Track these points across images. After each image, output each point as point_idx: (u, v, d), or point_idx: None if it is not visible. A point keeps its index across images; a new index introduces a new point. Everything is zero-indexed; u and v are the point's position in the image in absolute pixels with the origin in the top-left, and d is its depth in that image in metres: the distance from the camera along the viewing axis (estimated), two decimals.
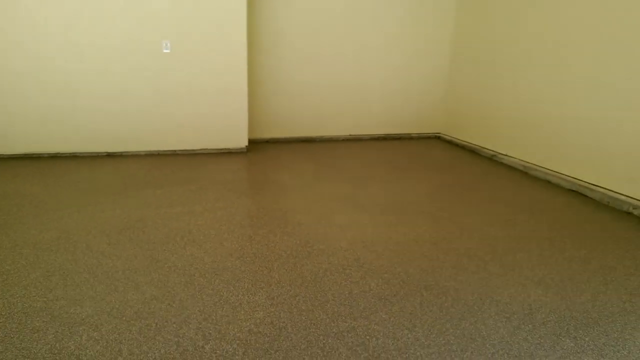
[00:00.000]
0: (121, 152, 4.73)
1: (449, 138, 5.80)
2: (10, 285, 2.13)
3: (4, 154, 4.46)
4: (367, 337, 1.81)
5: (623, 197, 3.36)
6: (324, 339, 1.79)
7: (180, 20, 4.48)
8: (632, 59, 3.29)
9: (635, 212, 3.25)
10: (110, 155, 4.67)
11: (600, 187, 3.58)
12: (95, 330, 1.81)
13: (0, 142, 4.41)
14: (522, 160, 4.45)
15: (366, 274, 2.33)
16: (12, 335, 1.77)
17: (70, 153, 4.61)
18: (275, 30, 5.19)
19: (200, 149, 4.92)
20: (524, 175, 4.28)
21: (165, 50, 4.50)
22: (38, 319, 1.88)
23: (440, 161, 4.79)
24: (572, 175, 3.85)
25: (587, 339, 1.84)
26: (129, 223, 2.90)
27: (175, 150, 4.85)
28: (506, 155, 4.69)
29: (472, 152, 5.23)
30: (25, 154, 4.50)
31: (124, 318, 1.90)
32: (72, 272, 2.26)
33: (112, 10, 4.32)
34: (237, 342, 1.76)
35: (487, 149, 5.01)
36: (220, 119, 4.85)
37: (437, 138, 6.05)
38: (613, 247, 2.72)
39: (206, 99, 4.75)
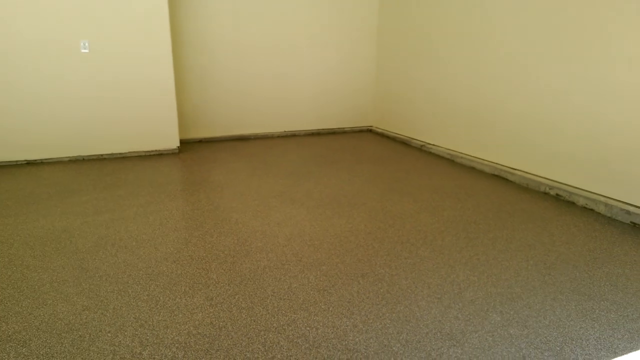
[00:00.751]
0: (42, 160, 4.42)
1: (380, 130, 6.00)
2: None
3: None
4: (308, 329, 1.85)
5: (540, 179, 3.66)
6: (264, 334, 1.81)
7: (98, 18, 4.26)
8: (547, 45, 3.59)
9: (552, 192, 3.55)
10: (30, 163, 4.35)
11: (519, 170, 3.87)
12: (23, 346, 1.70)
13: None
14: (448, 149, 4.71)
15: (305, 267, 2.37)
16: None
17: None
18: (202, 26, 5.09)
19: (129, 152, 4.71)
20: (451, 163, 4.54)
21: (83, 50, 4.26)
22: None
23: (372, 153, 4.94)
24: (493, 161, 4.14)
25: (512, 312, 2.00)
26: (54, 233, 2.74)
27: (101, 155, 4.61)
28: (434, 144, 4.93)
29: (403, 143, 5.45)
30: None
31: (55, 331, 1.80)
32: None
33: (26, 10, 4.02)
34: (177, 345, 1.73)
35: (417, 139, 5.24)
36: (148, 120, 4.68)
37: (369, 131, 6.23)
38: (532, 226, 2.96)
39: (132, 100, 4.56)
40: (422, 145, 5.10)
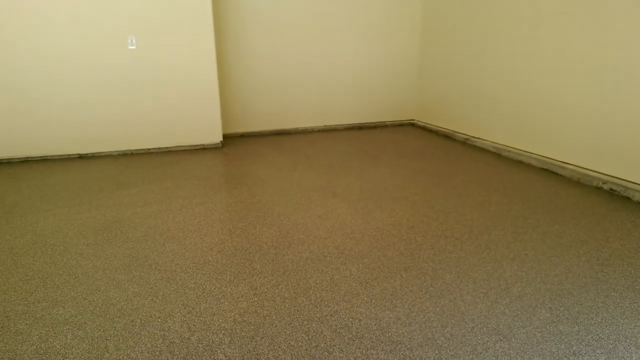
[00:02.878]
0: (93, 153, 4.64)
1: (422, 124, 5.89)
2: None
3: None
4: (350, 320, 1.85)
5: (592, 173, 3.49)
6: (308, 324, 1.82)
7: (144, 15, 4.40)
8: (595, 38, 3.41)
9: (605, 187, 3.38)
10: (82, 157, 4.58)
11: (570, 164, 3.70)
12: (79, 329, 1.80)
13: None
14: (494, 142, 4.56)
15: (346, 260, 2.36)
16: None
17: (41, 156, 4.50)
18: (244, 21, 5.16)
19: (174, 146, 4.86)
20: (497, 156, 4.39)
21: (130, 47, 4.42)
22: (21, 321, 1.85)
23: (414, 147, 4.86)
24: (542, 155, 3.98)
25: (561, 308, 1.92)
26: (106, 224, 2.87)
27: (149, 149, 4.78)
28: (479, 138, 4.79)
29: (446, 137, 5.33)
30: None
31: (108, 316, 1.89)
32: (51, 275, 2.23)
33: (75, 10, 4.21)
34: (223, 332, 1.77)
35: (460, 133, 5.11)
36: (192, 115, 4.80)
37: (411, 125, 6.13)
38: (584, 221, 2.82)
39: (177, 95, 4.70)
40: (466, 139, 4.97)
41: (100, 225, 2.83)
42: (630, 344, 1.68)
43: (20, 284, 2.14)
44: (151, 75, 4.56)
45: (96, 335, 1.76)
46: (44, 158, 4.51)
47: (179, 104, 4.72)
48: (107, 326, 1.82)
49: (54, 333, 1.78)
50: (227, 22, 5.09)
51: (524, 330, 1.77)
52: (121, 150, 4.71)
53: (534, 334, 1.75)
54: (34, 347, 1.70)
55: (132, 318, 1.87)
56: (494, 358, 1.62)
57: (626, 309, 1.90)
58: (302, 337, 1.75)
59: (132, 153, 4.73)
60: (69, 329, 1.80)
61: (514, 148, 4.30)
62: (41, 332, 1.79)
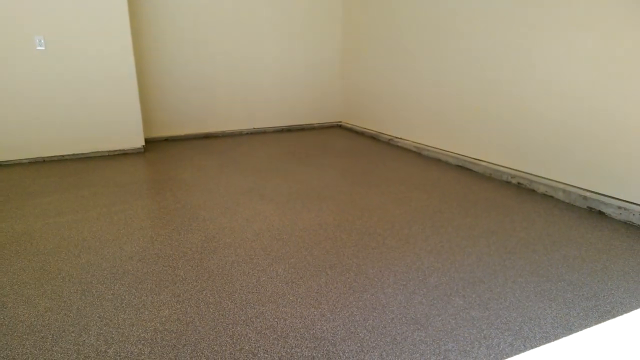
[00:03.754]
0: (0, 162, 4.26)
1: (349, 126, 6.05)
2: None
3: None
4: (276, 320, 1.86)
5: (502, 169, 3.78)
6: (232, 327, 1.81)
7: (53, 13, 4.12)
8: (507, 39, 3.70)
9: (514, 181, 3.67)
10: None
11: (482, 160, 3.99)
12: None
13: None
14: (415, 142, 4.80)
15: (273, 261, 2.38)
16: None
17: None
18: (163, 20, 5.00)
19: (92, 152, 4.60)
20: (417, 155, 4.62)
21: (39, 48, 4.12)
22: None
23: (341, 148, 4.98)
24: (458, 152, 4.25)
25: (474, 295, 2.06)
26: (14, 236, 2.65)
27: (63, 156, 4.48)
28: (401, 138, 5.01)
29: (372, 137, 5.51)
30: None
31: (16, 334, 1.75)
32: None
33: None
34: (143, 342, 1.71)
35: (385, 133, 5.31)
36: (111, 119, 4.57)
37: (338, 127, 6.27)
38: (494, 213, 3.05)
39: (93, 98, 4.45)
40: (390, 139, 5.18)
41: (7, 239, 2.61)
42: (534, 324, 1.85)
43: None
44: (63, 76, 4.27)
45: (2, 355, 1.62)
46: None
47: (96, 107, 4.47)
48: (15, 344, 1.68)
49: None
50: (145, 20, 4.91)
51: (440, 318, 1.89)
52: (32, 158, 4.37)
53: (449, 321, 1.87)
54: None
55: (43, 334, 1.75)
56: (412, 346, 1.71)
57: (530, 292, 2.09)
58: (227, 341, 1.73)
59: (44, 160, 4.41)
60: None
61: (432, 147, 4.55)
62: None
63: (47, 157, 4.42)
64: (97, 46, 4.33)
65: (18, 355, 1.64)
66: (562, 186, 3.30)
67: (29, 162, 4.34)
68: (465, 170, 4.08)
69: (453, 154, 4.28)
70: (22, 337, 1.74)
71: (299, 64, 5.83)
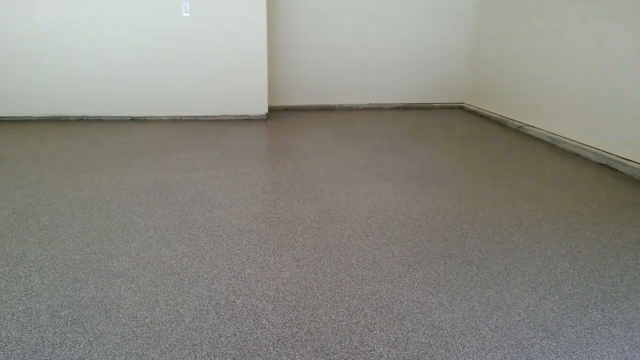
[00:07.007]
0: (144, 117, 4.78)
1: (472, 108, 5.70)
2: (50, 239, 2.22)
3: (32, 116, 4.54)
4: (392, 300, 1.84)
5: None
6: (349, 300, 1.83)
7: None
8: None
9: None
10: (134, 120, 4.72)
11: (633, 161, 3.49)
12: (132, 282, 1.89)
13: (27, 105, 4.49)
14: (549, 132, 4.36)
15: (389, 241, 2.34)
16: (56, 284, 1.87)
17: (95, 117, 4.68)
18: None
19: (221, 116, 4.93)
20: (551, 147, 4.20)
21: (184, 14, 4.45)
22: (79, 270, 1.97)
23: (463, 132, 4.72)
24: (602, 149, 3.76)
25: (615, 311, 1.83)
26: (157, 185, 2.96)
27: (196, 116, 4.87)
28: (533, 126, 4.59)
29: (497, 123, 5.13)
30: (53, 117, 4.58)
31: (159, 272, 1.97)
32: (106, 229, 2.33)
33: None
34: (266, 298, 1.81)
35: (513, 120, 4.90)
36: (240, 85, 4.83)
37: (460, 108, 5.94)
38: None
39: (226, 65, 4.73)
40: (519, 127, 4.77)
41: (151, 187, 2.93)
42: None
43: (78, 235, 2.26)
44: (202, 43, 4.60)
45: (148, 290, 1.84)
46: (99, 118, 4.69)
47: (228, 73, 4.76)
48: (158, 282, 1.90)
49: (109, 284, 1.87)
50: None
51: (574, 330, 1.71)
52: (170, 116, 4.82)
53: (584, 335, 1.69)
54: (91, 295, 1.80)
55: (181, 277, 1.94)
56: (539, 354, 1.58)
57: None
58: (343, 312, 1.76)
59: (180, 119, 4.84)
60: (122, 281, 1.89)
61: (570, 139, 4.09)
62: (97, 282, 1.88)
63: (183, 116, 4.85)
64: (235, 16, 4.56)
65: (160, 291, 1.83)
66: None
67: (167, 120, 4.79)
68: (609, 170, 3.61)
69: (595, 150, 3.81)
70: (164, 276, 1.94)
71: (425, 39, 5.58)
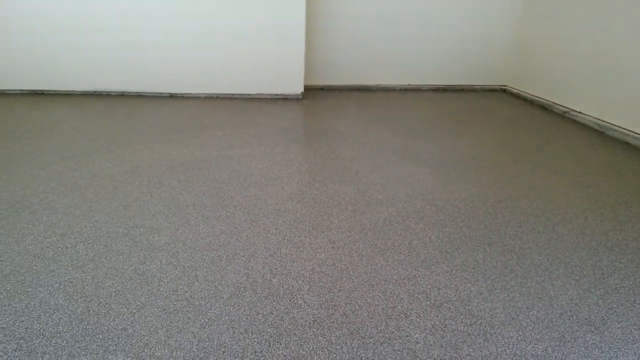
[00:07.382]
0: (182, 94, 4.83)
1: (515, 91, 5.48)
2: (94, 212, 2.30)
3: (75, 90, 4.67)
4: (429, 287, 1.82)
5: None
6: (384, 284, 1.82)
7: None
8: None
9: None
10: (172, 96, 4.79)
11: None
12: (173, 257, 1.93)
13: (70, 79, 4.61)
14: (597, 119, 4.15)
15: (426, 226, 2.30)
16: (100, 256, 1.93)
17: (136, 92, 4.76)
18: None
19: (257, 94, 4.93)
20: (600, 135, 4.00)
21: None
22: (122, 243, 2.03)
23: (505, 116, 4.55)
24: None
25: None
26: (195, 162, 3.00)
27: (233, 94, 4.89)
28: (580, 112, 4.38)
29: (542, 107, 4.92)
30: (95, 92, 4.70)
31: (197, 248, 2.01)
32: (147, 204, 2.39)
33: None
34: (302, 279, 1.82)
35: (559, 104, 4.69)
36: (277, 64, 4.80)
37: (502, 91, 5.73)
38: None
39: (264, 44, 4.69)
40: (565, 112, 4.56)
41: (189, 163, 2.97)
42: None
43: (120, 209, 2.33)
44: (241, 22, 4.57)
45: (187, 265, 1.88)
46: (139, 94, 4.77)
47: (265, 52, 4.73)
48: (197, 257, 1.93)
49: (151, 257, 1.93)
50: None
51: (619, 325, 1.64)
52: (208, 94, 4.86)
53: (631, 331, 1.62)
54: (133, 267, 1.86)
55: (219, 253, 1.97)
56: (583, 349, 1.52)
57: None
58: (379, 296, 1.75)
59: (217, 97, 4.87)
60: (163, 255, 1.94)
61: (620, 127, 3.88)
62: (139, 255, 1.94)
63: (221, 93, 4.88)
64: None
65: (199, 267, 1.87)
66: None
67: (205, 97, 4.83)
68: None
69: None
70: (203, 253, 1.98)
71: (470, 19, 5.36)
